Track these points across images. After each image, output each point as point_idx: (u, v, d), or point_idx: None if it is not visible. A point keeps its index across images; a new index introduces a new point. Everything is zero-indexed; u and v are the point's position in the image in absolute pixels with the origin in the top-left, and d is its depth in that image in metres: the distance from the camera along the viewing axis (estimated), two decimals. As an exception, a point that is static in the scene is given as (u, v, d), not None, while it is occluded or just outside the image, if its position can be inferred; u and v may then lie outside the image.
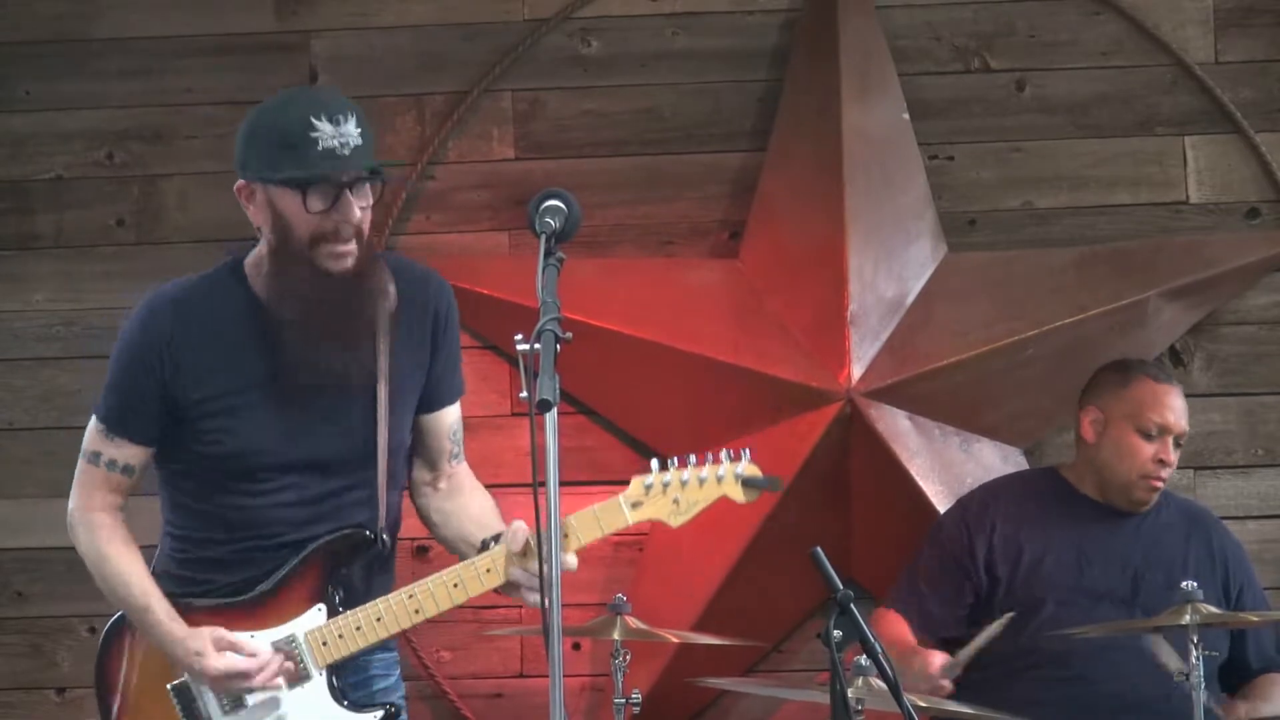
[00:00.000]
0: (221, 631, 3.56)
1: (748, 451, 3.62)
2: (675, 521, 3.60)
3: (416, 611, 3.59)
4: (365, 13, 5.35)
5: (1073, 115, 5.25)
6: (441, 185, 5.31)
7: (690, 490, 3.60)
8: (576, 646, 5.15)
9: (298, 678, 3.58)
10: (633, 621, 4.54)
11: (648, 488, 3.59)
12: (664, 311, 5.11)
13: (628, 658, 4.56)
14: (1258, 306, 5.22)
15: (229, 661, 3.54)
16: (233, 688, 3.56)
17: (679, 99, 5.30)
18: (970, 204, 5.25)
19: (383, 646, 3.70)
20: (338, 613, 3.59)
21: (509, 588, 3.58)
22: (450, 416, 3.79)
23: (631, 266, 5.23)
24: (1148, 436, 4.63)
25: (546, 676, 3.12)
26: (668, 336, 5.05)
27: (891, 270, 5.11)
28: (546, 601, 3.14)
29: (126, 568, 3.63)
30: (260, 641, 3.57)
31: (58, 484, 5.03)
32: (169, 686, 3.61)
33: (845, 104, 5.10)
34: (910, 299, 5.11)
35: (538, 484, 3.19)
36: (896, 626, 4.64)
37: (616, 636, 4.51)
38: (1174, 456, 4.64)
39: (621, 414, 5.22)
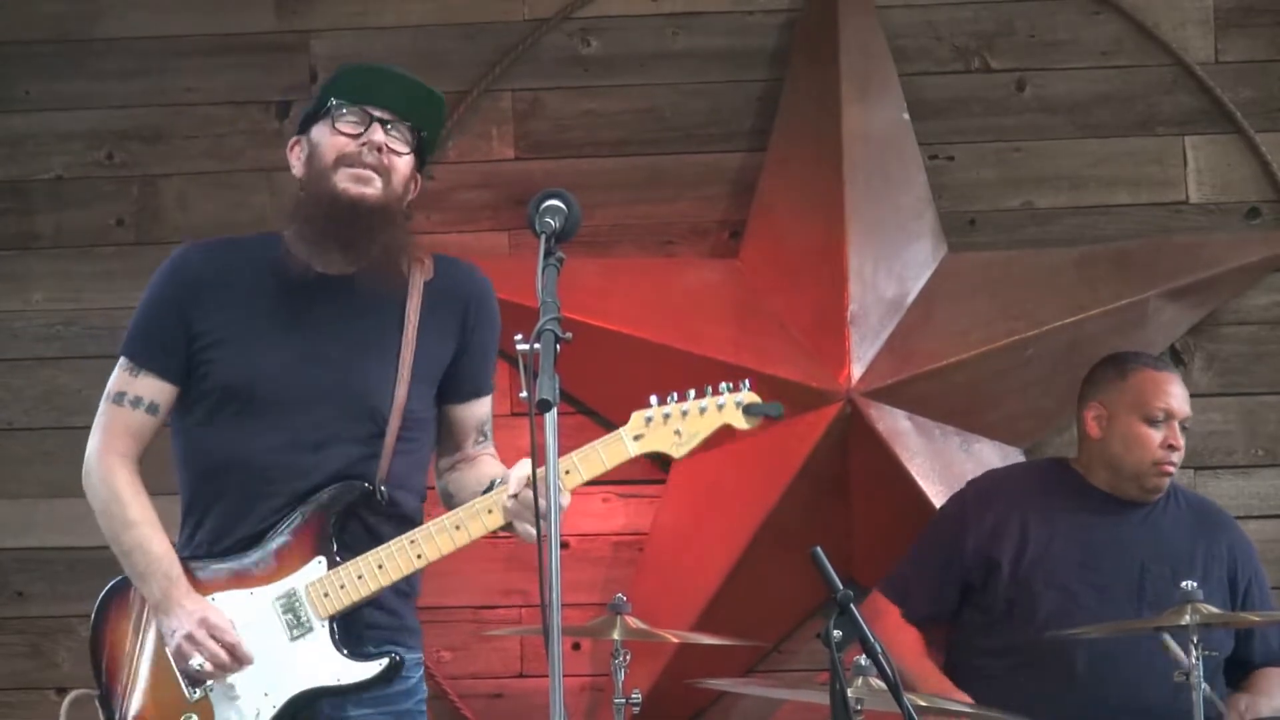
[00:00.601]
0: (231, 622, 3.55)
1: (748, 381, 3.60)
2: (678, 453, 3.58)
3: (419, 556, 3.57)
4: (365, 13, 5.35)
5: (1073, 115, 5.25)
6: (441, 185, 5.31)
7: (691, 420, 3.58)
8: (576, 647, 5.15)
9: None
10: (633, 621, 4.54)
11: (648, 420, 3.57)
12: (664, 311, 5.11)
13: (628, 658, 4.55)
14: (1258, 306, 5.22)
15: (222, 652, 3.52)
16: (185, 651, 3.53)
17: (679, 99, 5.30)
18: (970, 204, 5.25)
19: (406, 646, 3.69)
20: (337, 564, 3.58)
21: (509, 525, 3.56)
22: (480, 409, 3.80)
23: (631, 266, 5.23)
24: (1154, 424, 4.64)
25: (546, 677, 3.12)
26: (668, 336, 5.05)
27: (892, 270, 5.11)
28: (547, 589, 3.13)
29: (142, 516, 3.61)
30: (248, 650, 3.55)
31: (57, 484, 5.08)
32: (169, 650, 3.59)
33: (845, 104, 5.10)
34: (910, 299, 5.11)
35: (537, 484, 3.19)
36: (903, 635, 4.65)
37: (616, 636, 4.51)
38: (1181, 441, 4.65)
39: (622, 414, 5.18)
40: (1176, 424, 4.65)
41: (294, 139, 3.71)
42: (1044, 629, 4.53)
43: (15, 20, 5.38)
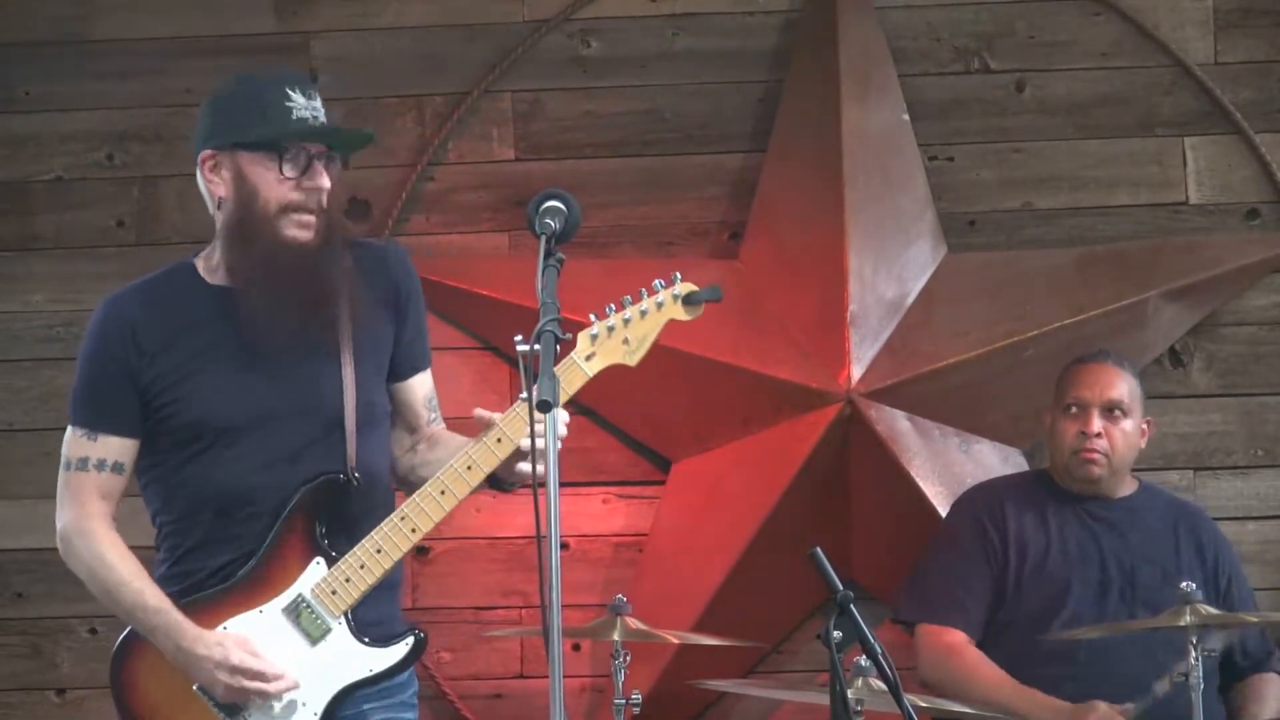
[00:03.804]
0: (247, 638, 3.54)
1: (678, 274, 3.64)
2: (632, 360, 3.61)
3: (413, 530, 3.56)
4: (365, 14, 5.35)
5: (1072, 116, 5.26)
6: (441, 186, 5.32)
7: (635, 326, 3.61)
8: (576, 647, 5.16)
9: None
10: (633, 622, 4.54)
11: (594, 337, 3.59)
12: (664, 312, 5.10)
13: (628, 659, 4.56)
14: (1257, 307, 5.22)
15: (252, 661, 3.52)
16: (246, 688, 3.52)
17: (679, 100, 5.30)
18: (970, 205, 5.26)
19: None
20: (334, 560, 3.57)
21: (503, 468, 3.57)
22: (424, 385, 3.79)
23: (631, 267, 5.23)
24: (1070, 414, 4.65)
25: (546, 677, 3.12)
26: (667, 337, 5.03)
27: (891, 271, 5.11)
28: (547, 590, 3.13)
29: (132, 573, 3.59)
30: (279, 662, 3.54)
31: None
32: (196, 686, 3.57)
33: (845, 105, 5.10)
34: (910, 300, 5.12)
35: (538, 484, 3.19)
36: (986, 665, 4.59)
37: (616, 637, 4.52)
38: (1098, 425, 4.61)
39: (621, 414, 5.22)
40: (1095, 410, 4.62)
41: (208, 152, 3.60)
42: (1043, 632, 4.53)
43: (15, 20, 5.38)
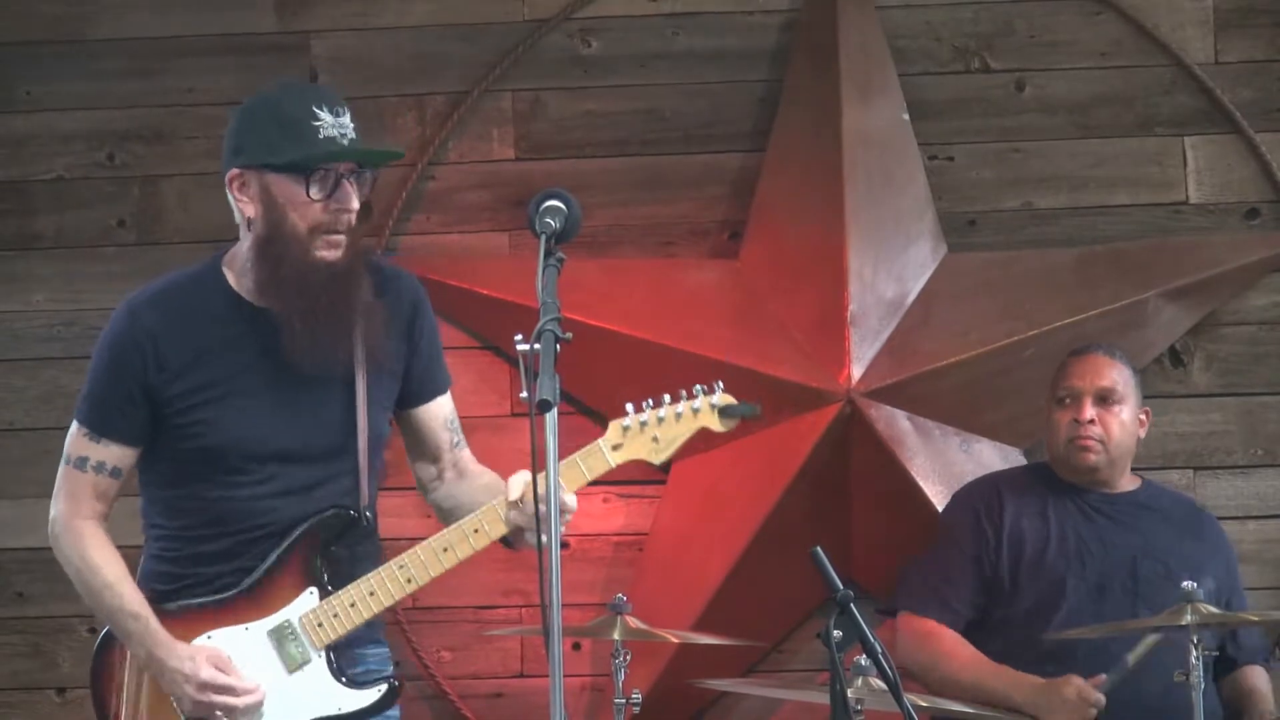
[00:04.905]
0: (220, 653, 3.56)
1: (720, 383, 3.62)
2: (657, 459, 3.62)
3: (409, 581, 3.58)
4: (365, 13, 5.35)
5: (1072, 115, 5.26)
6: (442, 185, 5.32)
7: (668, 426, 3.60)
8: (577, 646, 5.16)
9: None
10: (633, 621, 4.54)
11: (625, 429, 3.60)
12: (664, 312, 5.11)
13: (628, 658, 4.56)
14: (1257, 307, 5.22)
15: (221, 678, 3.53)
16: (214, 702, 3.53)
17: (679, 99, 5.31)
18: (970, 204, 5.26)
19: (375, 641, 3.70)
20: (328, 593, 3.59)
21: (514, 534, 3.57)
22: (444, 407, 3.80)
23: (631, 267, 5.23)
24: (1063, 404, 4.65)
25: (546, 676, 3.12)
26: (668, 337, 5.06)
27: (891, 271, 5.11)
28: (547, 589, 3.13)
29: (116, 576, 3.60)
30: (250, 679, 3.56)
31: (58, 484, 5.06)
32: (184, 711, 3.58)
33: (845, 104, 5.10)
34: (910, 299, 5.12)
35: (537, 484, 3.20)
36: (962, 647, 4.60)
37: (616, 636, 4.52)
38: (1090, 412, 4.61)
39: (622, 414, 5.20)
40: (1088, 398, 4.63)
41: (236, 171, 3.58)
42: (1041, 628, 4.53)
43: (15, 20, 5.38)
